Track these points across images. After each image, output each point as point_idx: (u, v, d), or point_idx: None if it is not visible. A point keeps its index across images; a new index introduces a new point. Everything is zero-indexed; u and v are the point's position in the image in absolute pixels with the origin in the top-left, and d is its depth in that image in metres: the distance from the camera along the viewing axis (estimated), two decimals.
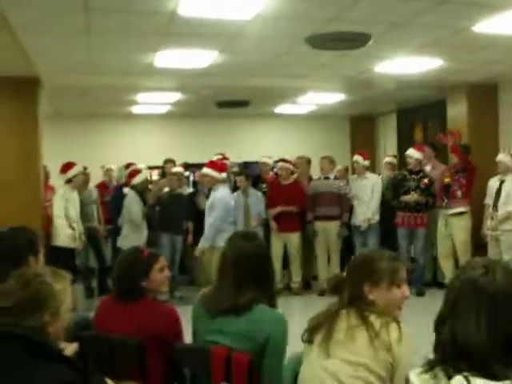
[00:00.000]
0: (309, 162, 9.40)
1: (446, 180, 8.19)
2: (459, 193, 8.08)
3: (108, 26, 5.54)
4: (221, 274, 2.92)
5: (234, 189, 8.95)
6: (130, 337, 3.04)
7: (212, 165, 7.69)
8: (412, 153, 8.58)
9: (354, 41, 6.00)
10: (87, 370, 3.23)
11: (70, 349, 3.24)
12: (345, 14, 5.28)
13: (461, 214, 8.11)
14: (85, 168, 9.34)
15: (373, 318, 2.41)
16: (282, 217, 8.56)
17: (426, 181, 8.35)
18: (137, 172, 8.32)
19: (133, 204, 7.88)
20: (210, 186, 7.67)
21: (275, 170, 9.43)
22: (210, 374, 2.75)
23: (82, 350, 3.29)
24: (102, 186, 9.88)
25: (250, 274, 2.82)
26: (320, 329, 2.50)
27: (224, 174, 7.74)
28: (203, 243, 7.45)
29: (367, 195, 8.64)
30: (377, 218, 8.65)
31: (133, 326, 3.09)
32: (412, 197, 8.28)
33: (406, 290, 2.54)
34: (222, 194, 7.51)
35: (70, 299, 2.28)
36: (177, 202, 8.51)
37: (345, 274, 2.63)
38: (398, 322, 2.40)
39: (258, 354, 2.72)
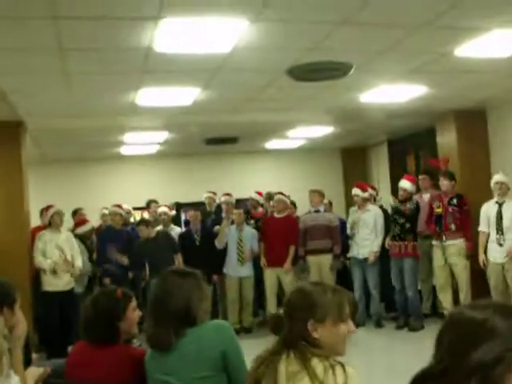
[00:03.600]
0: (270, 198, 9.43)
1: (438, 210, 8.03)
2: (453, 226, 7.91)
3: (84, 65, 5.48)
4: (153, 310, 2.83)
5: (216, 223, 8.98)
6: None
7: None
8: (404, 183, 8.48)
9: (335, 70, 5.93)
10: None
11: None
12: (323, 43, 5.21)
13: (458, 244, 7.94)
14: (79, 209, 9.33)
15: (315, 361, 2.16)
16: (274, 251, 8.43)
17: (407, 205, 8.25)
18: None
19: None
20: None
21: (270, 204, 9.38)
22: None
23: None
24: (98, 230, 9.68)
25: (181, 310, 2.72)
26: (263, 378, 2.21)
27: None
28: None
29: (368, 228, 8.49)
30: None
31: (108, 372, 2.93)
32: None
33: (351, 324, 2.31)
34: None
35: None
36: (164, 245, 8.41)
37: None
38: (342, 365, 2.15)
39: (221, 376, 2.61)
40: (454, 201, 8.02)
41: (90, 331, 3.09)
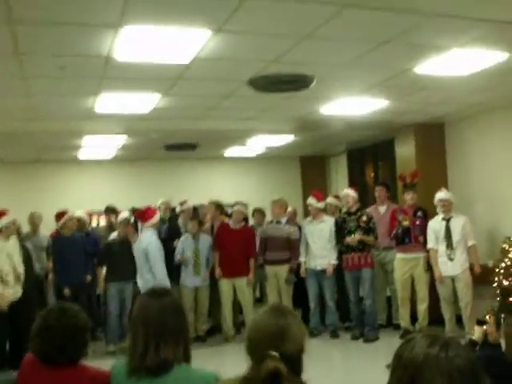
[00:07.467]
0: (219, 207, 9.30)
1: (405, 223, 8.06)
2: (421, 238, 7.96)
3: (42, 69, 5.35)
4: (132, 332, 2.65)
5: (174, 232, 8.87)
6: None
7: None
8: (348, 192, 8.52)
9: (297, 82, 5.92)
10: None
11: None
12: (286, 55, 5.20)
13: (423, 257, 8.01)
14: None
15: None
16: (231, 261, 8.37)
17: (364, 218, 8.24)
18: None
19: None
20: None
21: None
22: None
23: None
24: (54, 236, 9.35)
25: (158, 332, 2.55)
26: None
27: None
28: None
29: (325, 239, 8.43)
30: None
31: None
32: (353, 239, 8.16)
33: None
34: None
35: None
36: (126, 250, 8.28)
37: None
38: None
39: None
40: (420, 213, 8.07)
41: (52, 350, 2.79)
